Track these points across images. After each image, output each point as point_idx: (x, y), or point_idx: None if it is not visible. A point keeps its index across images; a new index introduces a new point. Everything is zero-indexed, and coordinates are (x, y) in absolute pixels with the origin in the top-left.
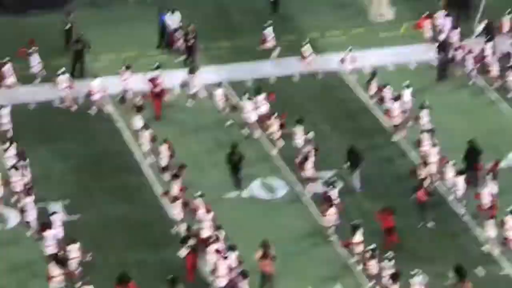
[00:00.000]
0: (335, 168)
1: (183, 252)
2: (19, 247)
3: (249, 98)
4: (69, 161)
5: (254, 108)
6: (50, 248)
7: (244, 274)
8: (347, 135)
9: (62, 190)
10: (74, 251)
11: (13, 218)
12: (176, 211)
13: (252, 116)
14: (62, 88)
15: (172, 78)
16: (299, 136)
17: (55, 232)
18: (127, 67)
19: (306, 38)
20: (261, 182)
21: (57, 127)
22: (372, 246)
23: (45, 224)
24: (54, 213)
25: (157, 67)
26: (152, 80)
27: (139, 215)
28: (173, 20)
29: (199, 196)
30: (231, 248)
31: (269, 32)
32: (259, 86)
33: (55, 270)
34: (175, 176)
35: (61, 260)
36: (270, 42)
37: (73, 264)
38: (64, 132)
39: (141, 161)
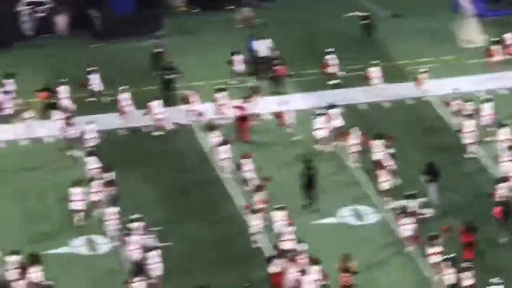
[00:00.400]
0: (416, 184)
1: (272, 268)
2: (113, 276)
3: (320, 114)
4: (158, 186)
5: (327, 122)
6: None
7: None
8: (428, 151)
9: (152, 216)
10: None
11: (103, 245)
12: (255, 223)
13: (322, 132)
14: (155, 114)
15: (260, 104)
16: (377, 149)
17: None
18: (220, 90)
19: (398, 63)
20: (350, 208)
21: (147, 153)
22: (450, 255)
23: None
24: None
25: (249, 93)
26: (239, 106)
27: (227, 235)
28: (262, 46)
29: (280, 208)
30: (314, 261)
31: (331, 58)
32: (332, 103)
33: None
34: (258, 188)
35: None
36: (332, 68)
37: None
38: (153, 157)
39: (232, 187)
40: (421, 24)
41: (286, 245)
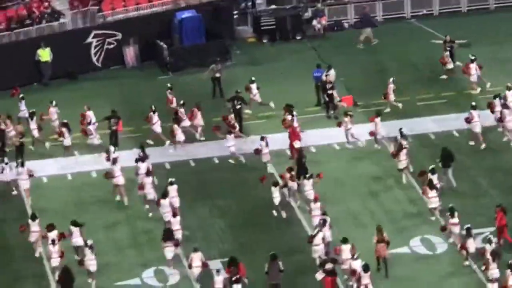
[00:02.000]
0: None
1: (320, 275)
2: None
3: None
4: (227, 217)
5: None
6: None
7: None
8: (504, 191)
9: (221, 247)
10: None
11: (174, 276)
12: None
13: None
14: (229, 145)
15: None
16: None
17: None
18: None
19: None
20: (420, 238)
21: (216, 183)
22: (467, 225)
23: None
24: None
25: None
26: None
27: (300, 267)
28: (328, 76)
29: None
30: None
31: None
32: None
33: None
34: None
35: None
36: (391, 96)
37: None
38: (222, 188)
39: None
40: (493, 53)
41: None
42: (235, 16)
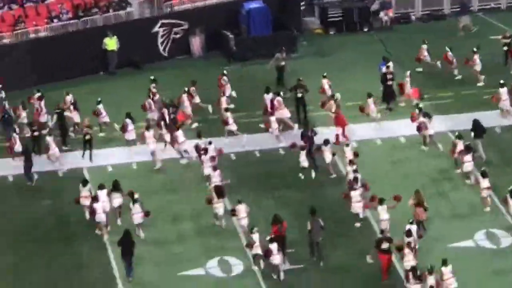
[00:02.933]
0: None
1: (370, 259)
2: None
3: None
4: (291, 208)
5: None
6: None
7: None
8: None
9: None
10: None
11: (238, 267)
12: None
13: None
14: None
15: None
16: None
17: None
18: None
19: None
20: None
21: (279, 175)
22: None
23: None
24: None
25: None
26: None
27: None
28: (388, 68)
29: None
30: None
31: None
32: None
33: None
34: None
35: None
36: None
37: None
38: (285, 180)
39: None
40: None
41: None
42: (302, 7)
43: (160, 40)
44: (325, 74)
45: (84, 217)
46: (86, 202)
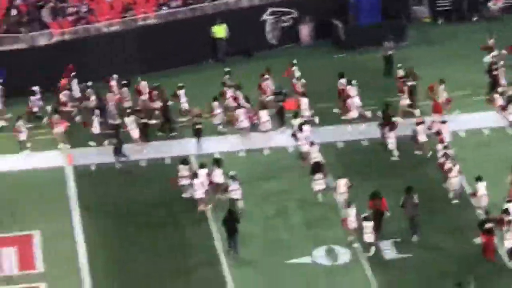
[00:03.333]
0: None
1: (478, 239)
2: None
3: None
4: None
5: None
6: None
7: None
8: None
9: (395, 226)
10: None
11: (344, 255)
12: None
13: None
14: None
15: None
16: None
17: None
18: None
19: None
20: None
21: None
22: None
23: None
24: None
25: None
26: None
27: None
28: (494, 57)
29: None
30: None
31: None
32: None
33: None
34: None
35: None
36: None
37: None
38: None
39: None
40: None
41: None
42: None
43: (268, 28)
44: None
45: (189, 202)
46: (184, 181)
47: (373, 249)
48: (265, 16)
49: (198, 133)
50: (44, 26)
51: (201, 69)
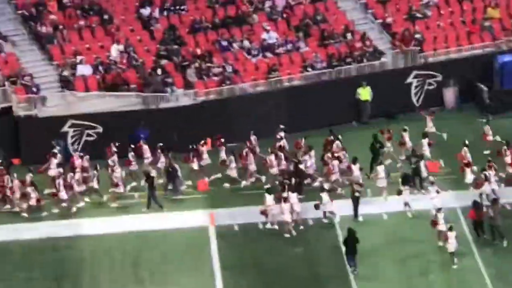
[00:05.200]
0: None
1: None
2: None
3: None
4: None
5: None
6: None
7: None
8: None
9: None
10: None
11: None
12: None
13: None
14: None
15: None
16: None
17: None
18: None
19: None
20: None
21: None
22: None
23: None
24: None
25: None
26: None
27: None
28: None
29: None
30: None
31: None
32: None
33: None
34: None
35: None
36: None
37: None
38: None
39: None
40: None
41: None
42: None
43: (413, 90)
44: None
45: (333, 263)
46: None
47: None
48: (410, 79)
49: (356, 201)
50: (189, 85)
51: (344, 130)
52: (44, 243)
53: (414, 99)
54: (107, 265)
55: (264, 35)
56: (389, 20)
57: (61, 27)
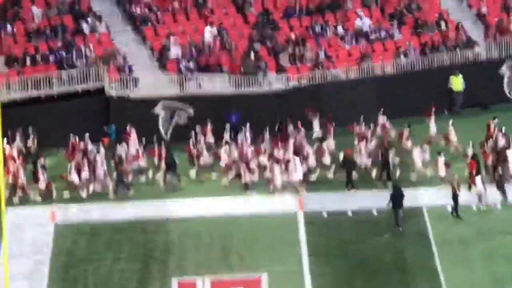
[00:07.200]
0: None
1: None
2: None
3: None
4: None
5: None
6: None
7: None
8: None
9: None
10: None
11: None
12: None
13: None
14: None
15: None
16: None
17: None
18: None
19: None
20: None
21: None
22: None
23: None
24: None
25: None
26: None
27: None
28: None
29: None
30: None
31: None
32: None
33: None
34: None
35: None
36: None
37: None
38: None
39: None
40: None
41: None
42: None
43: (506, 81)
44: None
45: (421, 252)
46: None
47: None
48: (503, 69)
49: (455, 198)
50: (281, 70)
51: (436, 120)
52: (133, 225)
53: (507, 90)
54: (194, 249)
55: (358, 22)
56: (483, 10)
57: (155, 8)
